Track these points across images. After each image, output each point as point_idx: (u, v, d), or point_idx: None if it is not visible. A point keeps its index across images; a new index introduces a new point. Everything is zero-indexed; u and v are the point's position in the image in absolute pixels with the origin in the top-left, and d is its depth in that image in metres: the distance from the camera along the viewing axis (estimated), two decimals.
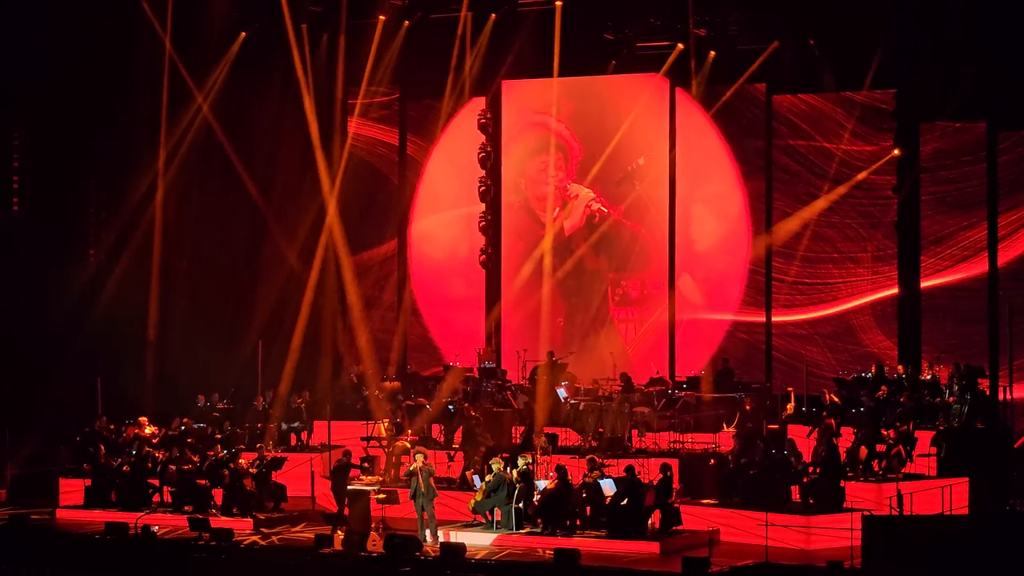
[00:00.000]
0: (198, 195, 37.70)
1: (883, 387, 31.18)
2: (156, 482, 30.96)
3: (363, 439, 32.66)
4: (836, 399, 31.03)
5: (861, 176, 34.98)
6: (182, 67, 36.90)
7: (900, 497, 25.93)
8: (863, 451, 29.10)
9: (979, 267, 33.89)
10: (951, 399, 31.02)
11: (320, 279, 38.41)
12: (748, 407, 32.57)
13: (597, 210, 37.23)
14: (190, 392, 34.84)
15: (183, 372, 36.02)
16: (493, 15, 36.89)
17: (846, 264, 35.29)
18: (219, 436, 32.90)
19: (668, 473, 27.61)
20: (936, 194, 34.41)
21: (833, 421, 29.08)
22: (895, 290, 34.79)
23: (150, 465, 31.39)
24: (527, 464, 28.09)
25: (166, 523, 29.22)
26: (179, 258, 37.96)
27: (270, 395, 34.84)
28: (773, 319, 35.75)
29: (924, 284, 34.39)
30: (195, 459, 30.92)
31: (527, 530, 27.43)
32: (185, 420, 33.24)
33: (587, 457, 28.69)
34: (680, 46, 36.21)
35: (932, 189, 34.43)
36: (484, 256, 38.18)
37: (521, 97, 38.27)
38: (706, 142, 36.57)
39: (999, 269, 33.57)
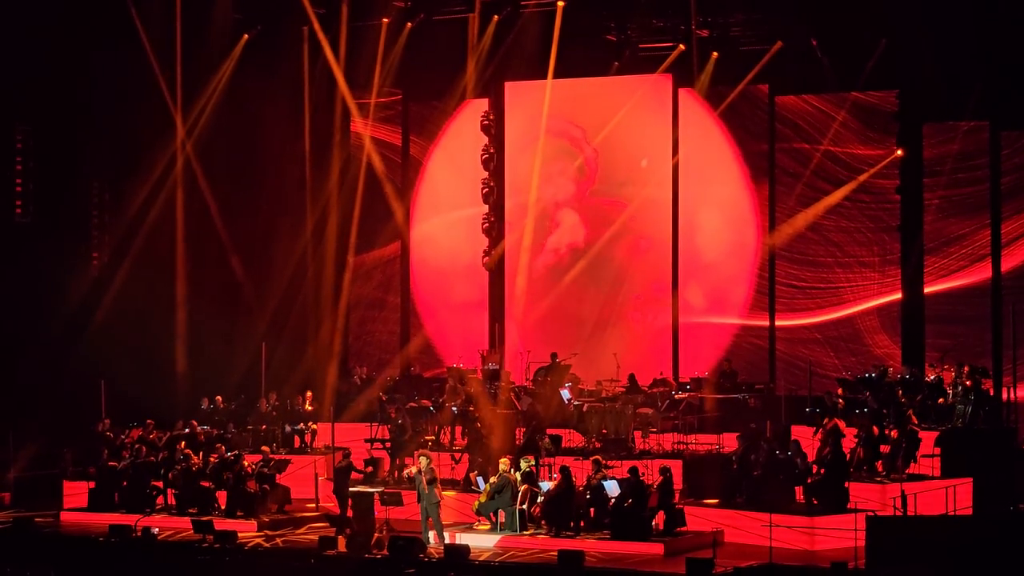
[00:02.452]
0: (201, 197, 37.75)
1: (886, 386, 31.23)
2: (160, 484, 30.98)
3: (367, 440, 32.68)
4: (840, 401, 31.03)
5: (862, 178, 34.97)
6: (172, 78, 36.96)
7: (904, 498, 25.91)
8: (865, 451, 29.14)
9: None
10: (953, 400, 31.03)
11: (324, 281, 38.49)
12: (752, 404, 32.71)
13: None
14: (194, 394, 34.86)
15: (187, 374, 36.03)
16: (495, 16, 36.90)
17: (856, 268, 35.25)
18: (229, 436, 32.96)
19: (667, 475, 27.58)
20: (946, 197, 34.37)
21: (840, 422, 29.09)
22: (899, 294, 34.80)
23: (154, 459, 31.39)
24: (530, 466, 28.09)
25: (170, 525, 29.25)
26: (185, 259, 38.06)
27: (272, 397, 34.88)
28: (783, 323, 35.70)
29: (936, 287, 34.33)
30: (198, 461, 30.92)
31: (531, 532, 27.43)
32: (191, 422, 33.28)
33: (591, 459, 28.67)
34: (681, 47, 36.23)
35: (943, 192, 34.38)
36: (487, 258, 38.17)
37: (524, 98, 38.25)
38: (711, 144, 36.56)
39: (1009, 271, 33.52)
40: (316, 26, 37.45)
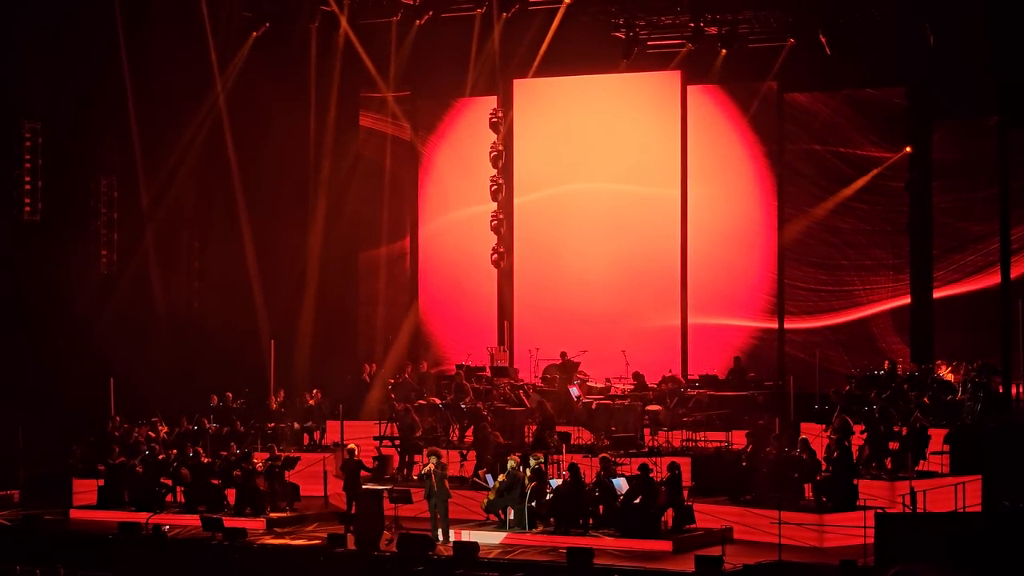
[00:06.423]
0: (210, 194, 37.83)
1: (893, 384, 31.22)
2: (169, 482, 31.00)
3: (376, 438, 32.67)
4: (843, 396, 31.01)
5: (869, 177, 34.91)
6: (179, 77, 37.02)
7: (913, 495, 25.91)
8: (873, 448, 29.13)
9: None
10: (962, 397, 31.03)
11: (332, 278, 38.53)
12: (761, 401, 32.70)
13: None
14: (203, 391, 34.88)
15: (196, 371, 36.04)
16: (504, 14, 36.88)
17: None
18: (241, 432, 33.00)
19: (676, 471, 27.56)
20: (961, 199, 34.33)
21: (848, 419, 29.07)
22: (908, 297, 34.84)
23: (163, 457, 31.42)
24: (539, 463, 28.09)
25: (179, 523, 29.28)
26: (193, 256, 38.16)
27: (281, 394, 34.91)
28: (800, 326, 35.67)
29: (953, 289, 34.28)
30: (208, 459, 30.96)
31: (540, 529, 27.43)
32: (202, 419, 33.32)
33: (600, 456, 28.67)
34: (689, 46, 36.21)
35: (960, 195, 34.34)
36: (496, 255, 38.14)
37: (532, 95, 38.25)
38: (720, 142, 36.54)
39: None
40: (341, 17, 37.43)
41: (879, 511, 25.24)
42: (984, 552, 23.58)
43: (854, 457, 28.09)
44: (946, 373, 32.12)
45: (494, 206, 38.15)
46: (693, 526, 27.30)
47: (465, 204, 38.84)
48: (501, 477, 27.91)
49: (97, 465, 31.88)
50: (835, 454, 27.68)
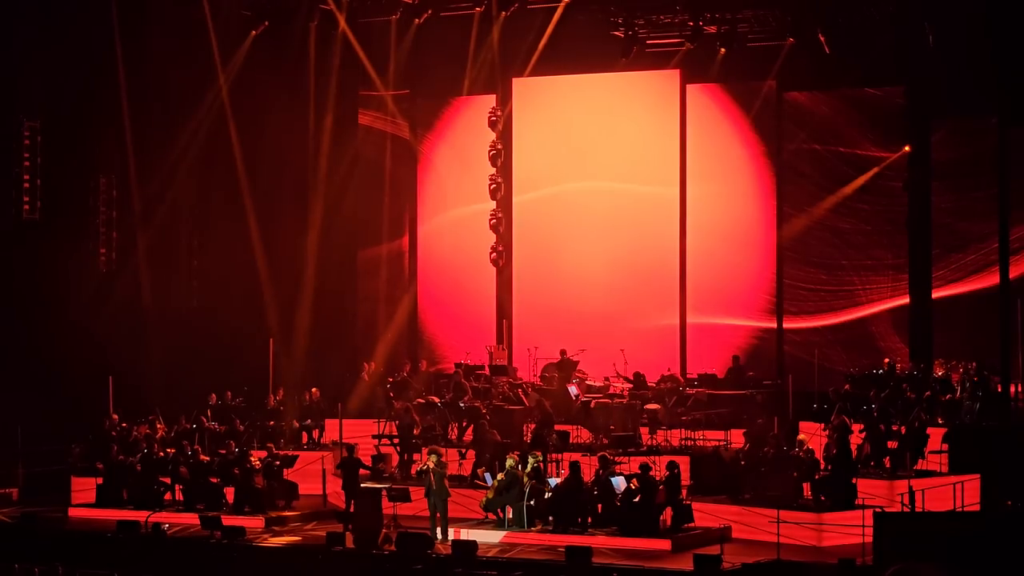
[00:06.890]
0: (208, 193, 37.83)
1: (892, 383, 31.22)
2: (168, 480, 30.99)
3: (375, 437, 32.66)
4: (841, 395, 31.00)
5: (868, 176, 34.89)
6: (178, 76, 37.02)
7: (912, 494, 25.92)
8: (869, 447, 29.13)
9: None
10: (961, 396, 31.03)
11: (331, 276, 38.51)
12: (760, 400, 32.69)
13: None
14: (202, 390, 34.88)
15: (194, 369, 36.02)
16: (503, 13, 36.88)
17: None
18: (240, 430, 32.98)
19: (675, 471, 27.56)
20: (961, 199, 34.31)
21: (846, 418, 29.08)
22: (907, 297, 34.83)
23: (162, 454, 31.41)
24: (537, 462, 28.08)
25: (178, 521, 29.29)
26: (192, 254, 38.17)
27: (280, 393, 34.91)
28: (800, 325, 35.66)
29: (952, 290, 34.26)
30: (206, 457, 30.96)
31: (539, 527, 27.42)
32: (201, 418, 33.32)
33: (599, 455, 28.66)
34: (688, 45, 36.19)
35: (960, 195, 34.31)
36: (495, 254, 38.14)
37: (531, 94, 38.24)
38: (720, 141, 36.53)
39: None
40: (340, 15, 37.41)
41: (878, 510, 25.23)
42: (983, 551, 23.57)
43: (853, 455, 28.10)
44: (945, 372, 32.12)
45: (493, 205, 38.17)
46: (692, 525, 27.32)
47: (464, 203, 38.85)
48: (500, 476, 27.93)
49: (96, 463, 31.89)
50: (833, 451, 27.71)
